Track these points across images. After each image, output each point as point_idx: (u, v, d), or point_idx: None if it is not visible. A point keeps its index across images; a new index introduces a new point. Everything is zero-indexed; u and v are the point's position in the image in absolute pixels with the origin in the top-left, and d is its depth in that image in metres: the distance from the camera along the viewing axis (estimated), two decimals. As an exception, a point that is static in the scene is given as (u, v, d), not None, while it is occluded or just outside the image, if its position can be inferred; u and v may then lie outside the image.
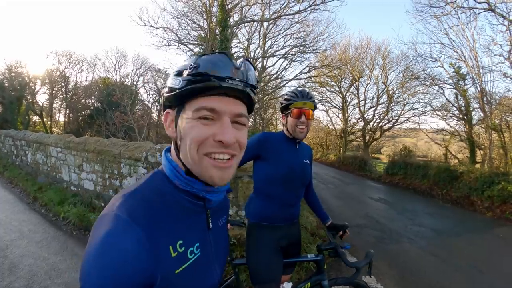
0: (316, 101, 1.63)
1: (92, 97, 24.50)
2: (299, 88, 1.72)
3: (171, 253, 0.54)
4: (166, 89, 0.61)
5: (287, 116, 1.61)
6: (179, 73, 0.58)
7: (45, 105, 23.86)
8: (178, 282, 0.54)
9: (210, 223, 0.65)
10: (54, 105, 24.37)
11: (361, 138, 20.42)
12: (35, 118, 23.90)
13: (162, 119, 0.65)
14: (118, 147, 4.68)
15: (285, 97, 1.63)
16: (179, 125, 0.59)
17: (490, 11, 9.91)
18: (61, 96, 24.31)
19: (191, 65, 0.56)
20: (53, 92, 23.58)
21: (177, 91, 0.57)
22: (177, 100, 0.59)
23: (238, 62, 0.58)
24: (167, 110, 0.63)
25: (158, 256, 0.51)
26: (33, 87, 22.84)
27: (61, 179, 6.20)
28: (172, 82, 0.59)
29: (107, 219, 0.51)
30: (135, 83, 24.65)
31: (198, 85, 0.55)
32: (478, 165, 11.01)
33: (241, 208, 3.51)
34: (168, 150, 0.66)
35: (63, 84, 23.92)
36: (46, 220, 4.68)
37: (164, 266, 0.52)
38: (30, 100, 22.75)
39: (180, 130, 0.58)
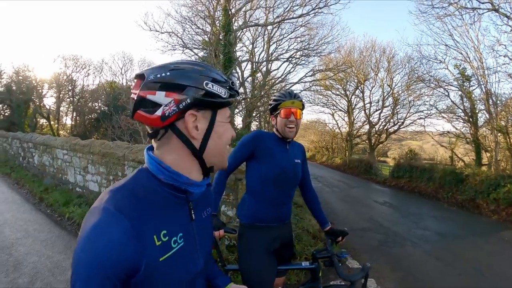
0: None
1: (99, 100, 24.90)
2: (288, 89, 1.76)
3: (155, 242, 0.58)
4: (201, 92, 0.61)
5: (276, 116, 1.65)
6: (218, 81, 0.65)
7: (52, 108, 24.29)
8: (163, 269, 0.58)
9: (193, 215, 0.70)
10: (61, 108, 24.83)
11: (367, 141, 20.20)
12: (42, 121, 24.33)
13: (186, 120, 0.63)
14: (122, 150, 4.75)
15: (274, 98, 1.67)
16: (214, 127, 0.66)
17: (494, 11, 9.75)
18: (68, 99, 24.73)
19: (232, 81, 0.69)
20: (60, 95, 23.99)
21: (223, 100, 0.65)
22: (216, 106, 0.66)
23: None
24: (190, 111, 0.62)
25: (143, 244, 0.55)
26: (40, 91, 23.30)
27: (66, 181, 6.30)
28: (217, 89, 0.64)
29: (97, 212, 0.55)
30: (141, 87, 24.90)
31: (232, 98, 0.68)
32: (484, 168, 10.79)
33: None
34: (150, 148, 0.69)
35: (70, 88, 24.35)
36: (52, 220, 4.77)
37: (149, 254, 0.56)
38: (38, 103, 23.18)
39: (215, 132, 0.67)
